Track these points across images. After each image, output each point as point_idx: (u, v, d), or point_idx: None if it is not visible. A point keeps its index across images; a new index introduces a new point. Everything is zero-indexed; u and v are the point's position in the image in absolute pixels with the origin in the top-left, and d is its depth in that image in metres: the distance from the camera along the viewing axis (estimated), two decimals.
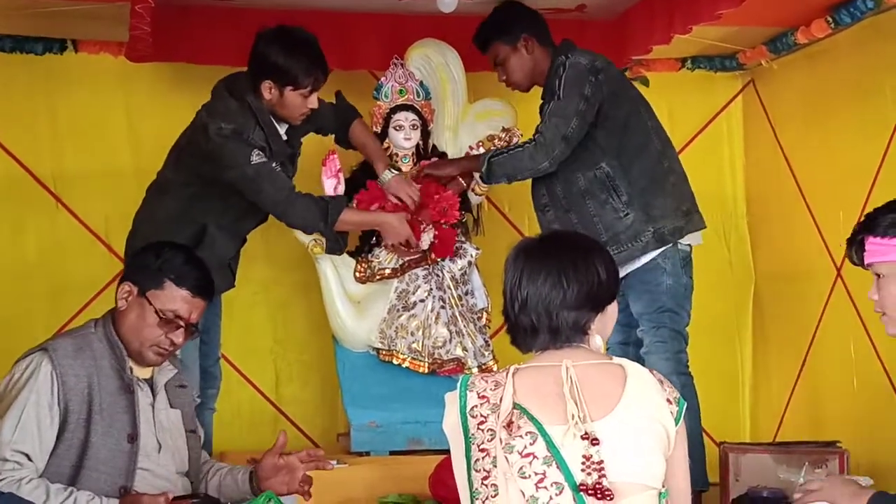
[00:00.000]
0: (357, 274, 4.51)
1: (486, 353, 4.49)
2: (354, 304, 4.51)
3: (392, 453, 4.36)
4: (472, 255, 4.55)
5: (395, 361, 4.46)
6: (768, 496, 3.88)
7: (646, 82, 5.19)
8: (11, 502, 2.91)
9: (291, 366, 5.21)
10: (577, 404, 2.42)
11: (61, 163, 5.00)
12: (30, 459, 3.08)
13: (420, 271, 4.49)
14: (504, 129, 4.53)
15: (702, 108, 5.57)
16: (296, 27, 4.12)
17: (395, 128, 4.56)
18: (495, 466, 2.41)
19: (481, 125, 4.63)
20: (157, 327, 3.26)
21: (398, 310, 4.48)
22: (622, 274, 3.92)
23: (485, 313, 4.59)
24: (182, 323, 3.29)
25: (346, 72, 4.81)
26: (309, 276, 4.65)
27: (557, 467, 2.37)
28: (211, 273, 3.43)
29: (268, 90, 4.09)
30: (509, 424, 2.42)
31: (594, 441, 2.39)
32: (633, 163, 4.26)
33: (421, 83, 4.61)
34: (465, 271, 4.54)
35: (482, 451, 2.43)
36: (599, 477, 2.37)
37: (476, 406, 2.47)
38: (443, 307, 4.47)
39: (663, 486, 2.44)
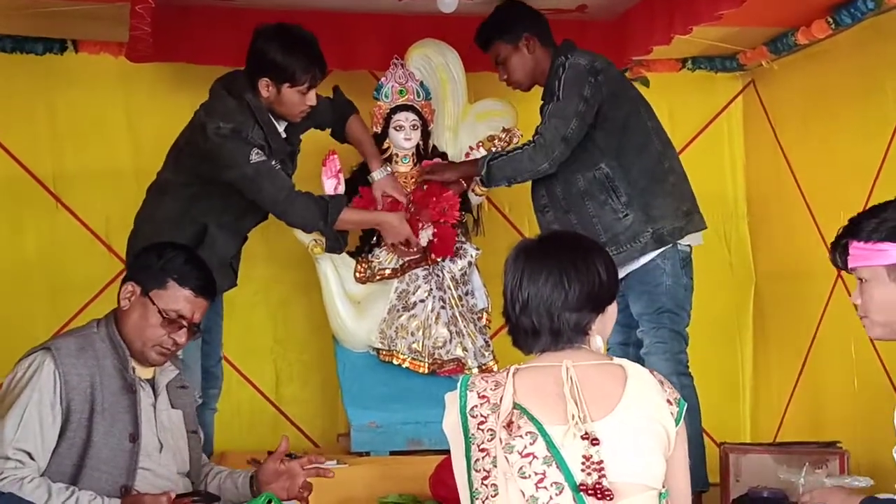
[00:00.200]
0: (357, 274, 4.51)
1: (487, 354, 4.49)
2: (354, 305, 4.51)
3: (392, 453, 4.37)
4: (472, 256, 4.55)
5: (395, 362, 4.47)
6: (769, 496, 3.89)
7: (646, 83, 5.19)
8: (13, 502, 2.91)
9: (292, 366, 5.21)
10: (577, 404, 2.41)
11: (61, 163, 5.00)
12: (32, 458, 3.08)
13: (420, 271, 4.49)
14: (504, 130, 4.53)
15: (702, 109, 5.56)
16: (293, 24, 4.11)
17: (395, 128, 4.56)
18: (495, 466, 2.41)
19: (481, 125, 4.63)
20: (160, 327, 3.26)
21: (398, 310, 4.48)
22: (622, 274, 3.92)
23: (485, 314, 4.59)
24: (185, 323, 3.29)
25: (346, 72, 4.81)
26: (309, 276, 4.65)
27: (557, 467, 2.36)
28: (213, 273, 3.44)
29: (265, 87, 4.08)
30: (509, 424, 2.41)
31: (594, 441, 2.39)
32: (633, 163, 4.26)
33: (421, 83, 4.60)
34: (466, 271, 4.54)
35: (482, 451, 2.43)
36: (599, 477, 2.37)
37: (476, 406, 2.47)
38: (443, 307, 4.47)
39: (663, 487, 2.44)
